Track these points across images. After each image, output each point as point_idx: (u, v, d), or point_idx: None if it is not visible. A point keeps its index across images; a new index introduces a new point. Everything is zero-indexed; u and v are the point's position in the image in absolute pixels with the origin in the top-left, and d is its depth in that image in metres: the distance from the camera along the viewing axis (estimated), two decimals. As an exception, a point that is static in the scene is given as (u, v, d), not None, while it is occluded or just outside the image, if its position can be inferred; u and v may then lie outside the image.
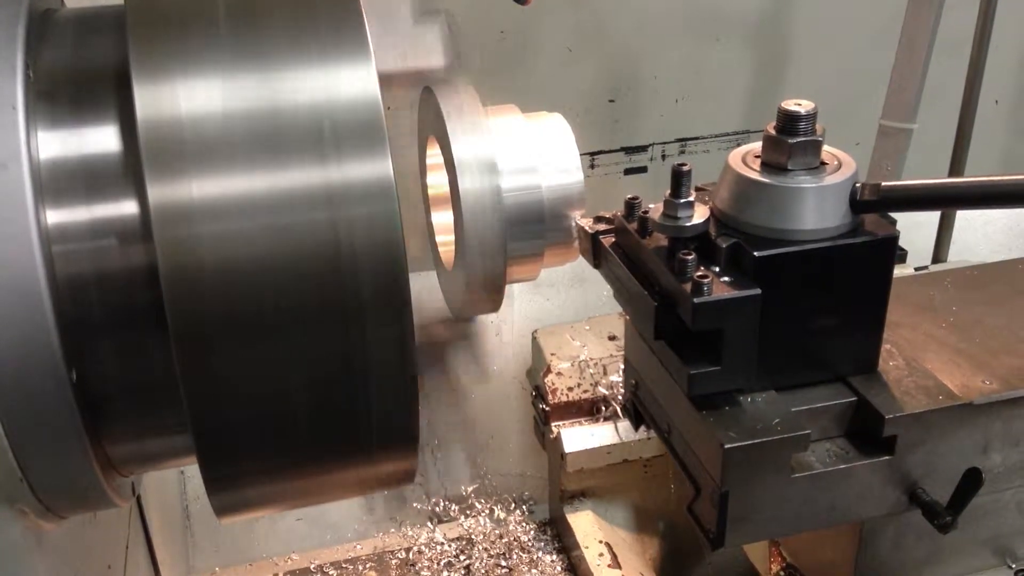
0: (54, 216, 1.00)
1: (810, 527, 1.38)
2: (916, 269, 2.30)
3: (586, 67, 3.03)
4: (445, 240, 1.64)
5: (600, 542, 2.30)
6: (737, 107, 3.23)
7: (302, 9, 1.06)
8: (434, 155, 1.57)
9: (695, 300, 1.17)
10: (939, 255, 2.85)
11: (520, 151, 1.44)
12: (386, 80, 1.06)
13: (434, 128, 1.47)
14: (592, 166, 3.14)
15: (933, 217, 2.90)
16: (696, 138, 3.23)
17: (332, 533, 2.58)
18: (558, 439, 2.28)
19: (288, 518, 2.60)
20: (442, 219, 1.65)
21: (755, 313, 1.21)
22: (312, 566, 2.46)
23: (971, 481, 1.37)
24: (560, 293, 2.77)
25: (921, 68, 2.46)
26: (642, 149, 3.20)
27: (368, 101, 1.03)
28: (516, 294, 2.63)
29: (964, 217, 3.08)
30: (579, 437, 2.29)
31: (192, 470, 2.51)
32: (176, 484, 2.52)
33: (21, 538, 1.11)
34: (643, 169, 3.21)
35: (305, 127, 1.01)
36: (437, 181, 1.63)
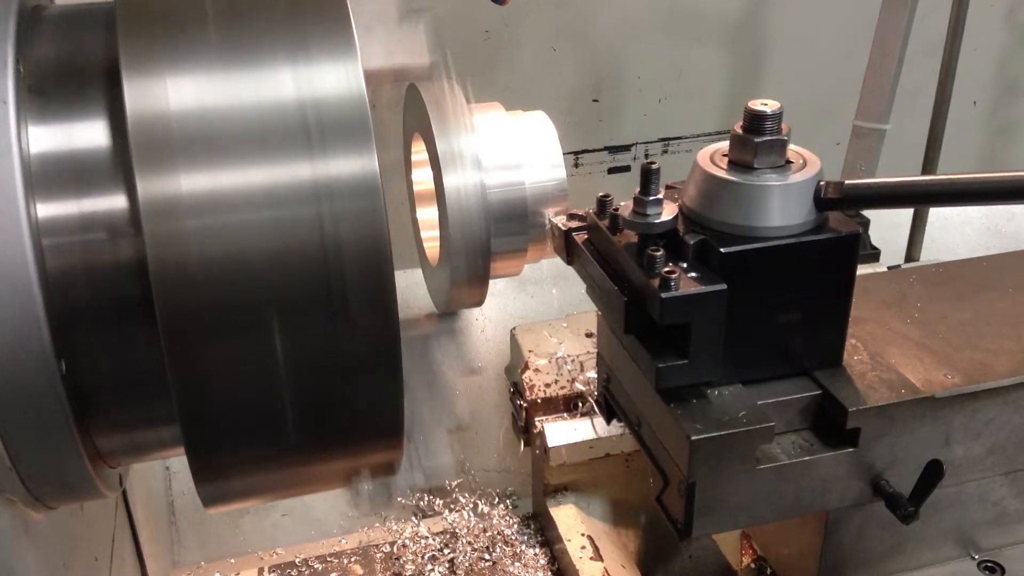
0: (44, 210, 1.02)
1: (776, 518, 1.40)
2: (889, 268, 2.34)
3: (570, 67, 3.06)
4: (430, 236, 1.66)
5: (582, 535, 2.32)
6: (719, 107, 3.26)
7: (289, 6, 1.09)
8: (419, 152, 1.59)
9: (662, 295, 1.20)
10: (912, 254, 2.89)
11: (504, 148, 1.45)
12: (371, 77, 1.08)
13: (419, 125, 1.49)
14: (576, 165, 3.16)
15: (910, 217, 2.94)
16: (679, 138, 3.26)
17: (317, 528, 2.60)
18: (541, 434, 2.30)
19: (273, 514, 2.62)
20: (427, 215, 1.67)
21: (721, 308, 1.24)
22: (297, 560, 2.47)
23: (933, 473, 1.40)
24: (544, 290, 2.79)
25: (894, 70, 2.50)
26: (625, 148, 3.23)
27: (354, 98, 1.05)
28: (500, 291, 2.66)
29: (942, 217, 3.13)
30: (562, 432, 2.30)
31: (177, 466, 2.53)
32: (161, 480, 2.53)
33: (10, 527, 1.13)
34: (626, 168, 3.24)
35: (292, 123, 1.03)
36: (422, 177, 1.65)
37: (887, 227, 2.70)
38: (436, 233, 1.53)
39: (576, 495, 2.44)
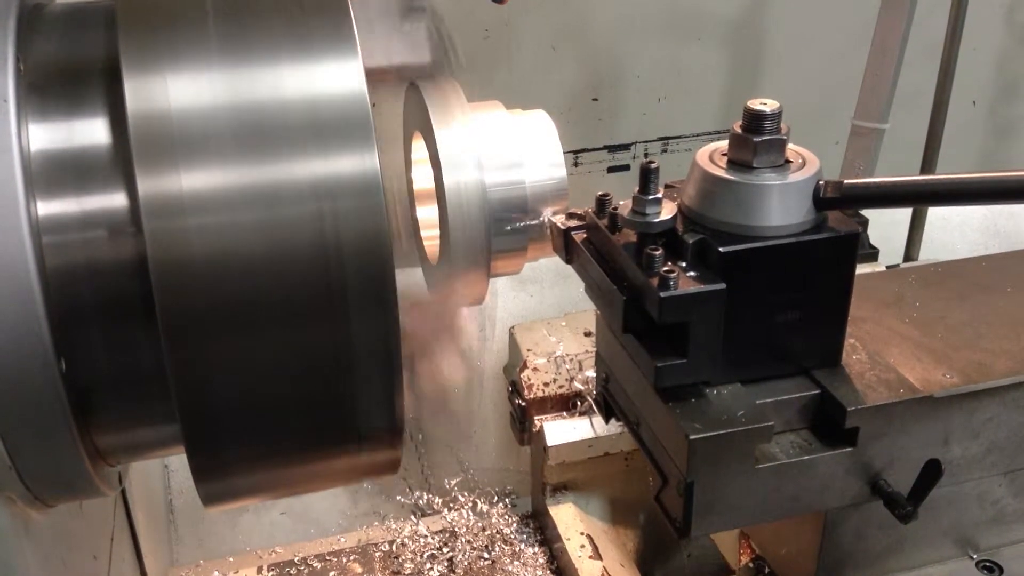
0: (44, 207, 1.01)
1: (774, 517, 1.40)
2: (888, 267, 2.35)
3: (570, 66, 3.07)
4: (430, 234, 1.66)
5: (581, 534, 2.33)
6: (718, 106, 3.27)
7: (290, 4, 1.08)
8: (419, 150, 1.59)
9: (661, 294, 1.20)
10: (910, 254, 2.89)
11: (504, 146, 1.44)
12: (372, 76, 1.08)
13: (419, 123, 1.49)
14: (576, 164, 3.17)
15: (909, 216, 2.95)
16: (678, 137, 3.26)
17: (316, 527, 2.60)
18: (541, 432, 2.30)
19: (272, 513, 2.62)
20: (427, 214, 1.67)
21: (720, 307, 1.24)
22: (296, 558, 2.47)
23: (931, 472, 1.39)
24: (544, 290, 2.80)
25: (892, 69, 2.50)
26: (625, 147, 3.24)
27: (354, 96, 1.05)
28: (500, 291, 2.66)
29: (941, 217, 3.14)
30: (561, 430, 2.30)
31: (176, 465, 2.54)
32: (160, 479, 2.54)
33: (9, 525, 1.13)
34: (626, 167, 3.25)
35: (292, 121, 1.03)
36: (422, 176, 1.65)
37: (886, 226, 2.70)
38: (436, 232, 1.53)
39: (575, 494, 2.44)
